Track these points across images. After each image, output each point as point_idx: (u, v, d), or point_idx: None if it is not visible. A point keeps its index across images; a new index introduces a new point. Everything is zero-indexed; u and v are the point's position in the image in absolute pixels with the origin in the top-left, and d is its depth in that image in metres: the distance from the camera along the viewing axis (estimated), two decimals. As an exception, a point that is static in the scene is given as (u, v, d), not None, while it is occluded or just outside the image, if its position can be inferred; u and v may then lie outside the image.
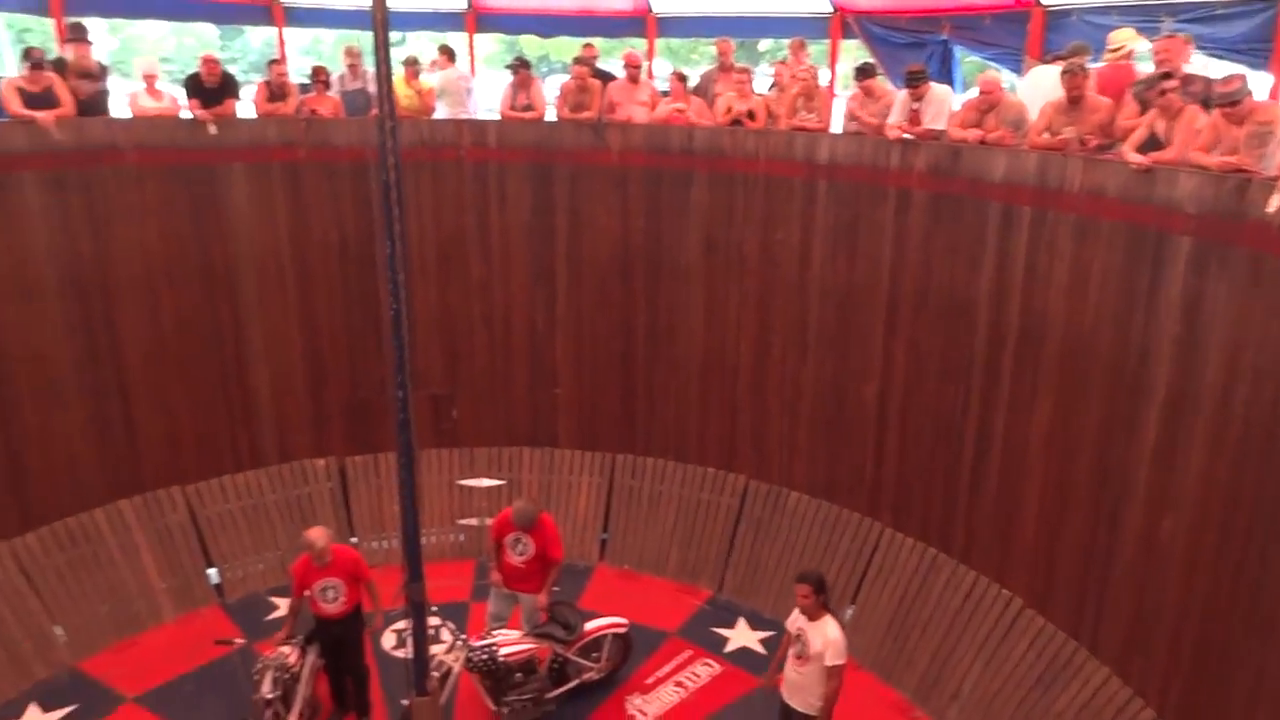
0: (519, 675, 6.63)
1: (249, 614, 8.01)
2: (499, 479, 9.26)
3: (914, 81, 7.01)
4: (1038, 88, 6.89)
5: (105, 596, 7.72)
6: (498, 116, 8.81)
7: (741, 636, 7.91)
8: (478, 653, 6.49)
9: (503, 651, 6.54)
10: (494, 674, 6.55)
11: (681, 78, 8.78)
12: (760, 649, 7.69)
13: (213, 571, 8.37)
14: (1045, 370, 6.25)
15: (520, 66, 8.85)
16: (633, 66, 8.77)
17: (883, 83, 7.96)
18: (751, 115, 8.09)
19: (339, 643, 6.48)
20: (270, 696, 6.04)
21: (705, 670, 7.47)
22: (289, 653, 6.34)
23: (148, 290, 7.96)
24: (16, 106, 7.03)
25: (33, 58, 7.14)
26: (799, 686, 5.57)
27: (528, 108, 8.69)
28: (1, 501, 7.36)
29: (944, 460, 7.21)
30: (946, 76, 9.32)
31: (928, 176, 6.96)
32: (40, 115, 7.05)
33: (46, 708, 6.82)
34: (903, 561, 7.57)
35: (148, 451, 8.20)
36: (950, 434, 7.12)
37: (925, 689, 7.04)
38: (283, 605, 7.97)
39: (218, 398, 8.54)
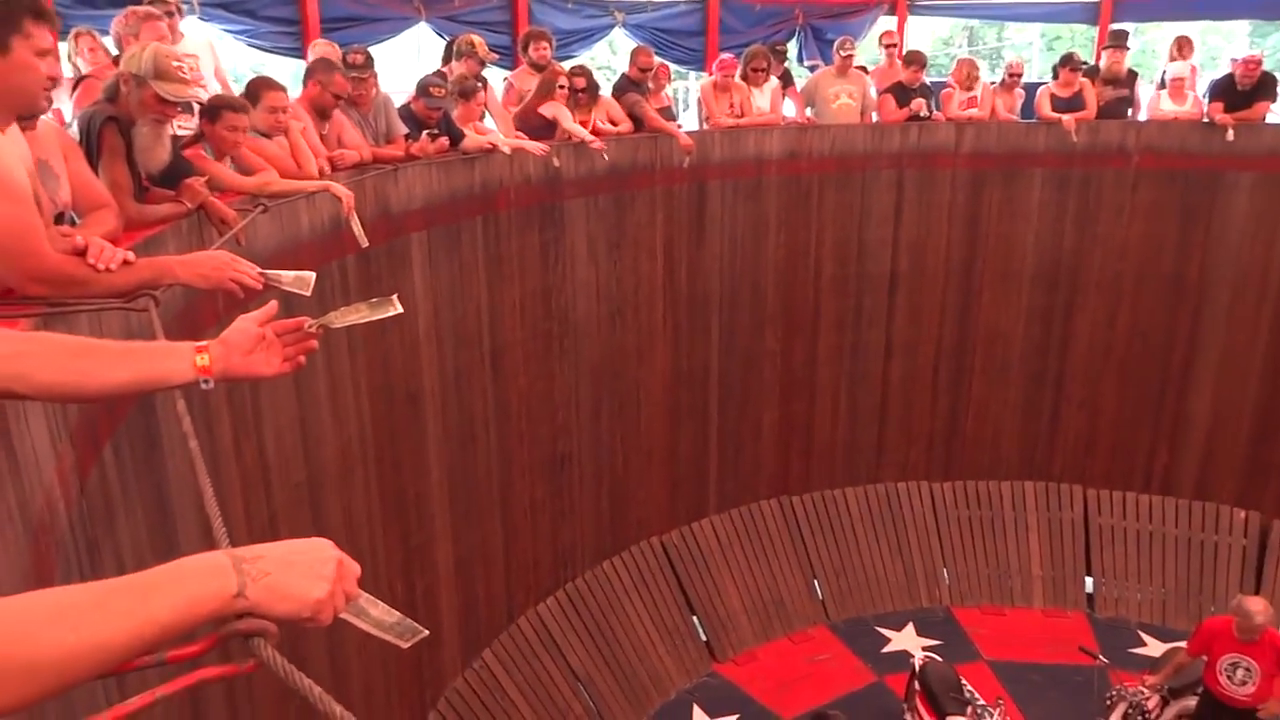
0: None
1: (1114, 636, 7.68)
2: None
3: None
4: None
5: (988, 560, 8.33)
6: None
7: None
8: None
9: None
10: None
11: None
12: None
13: (1089, 580, 8.25)
14: None
15: None
16: None
17: None
18: None
19: None
20: (1116, 729, 5.77)
21: None
22: (1149, 696, 5.91)
23: (1111, 289, 8.00)
24: (1045, 109, 7.68)
25: (1071, 62, 7.63)
26: None
27: None
28: (935, 451, 8.51)
29: None
30: None
31: None
32: (1065, 118, 7.56)
33: (921, 632, 7.79)
34: None
35: (1061, 443, 8.43)
36: None
37: None
38: (1152, 644, 7.50)
39: (1146, 410, 8.22)
